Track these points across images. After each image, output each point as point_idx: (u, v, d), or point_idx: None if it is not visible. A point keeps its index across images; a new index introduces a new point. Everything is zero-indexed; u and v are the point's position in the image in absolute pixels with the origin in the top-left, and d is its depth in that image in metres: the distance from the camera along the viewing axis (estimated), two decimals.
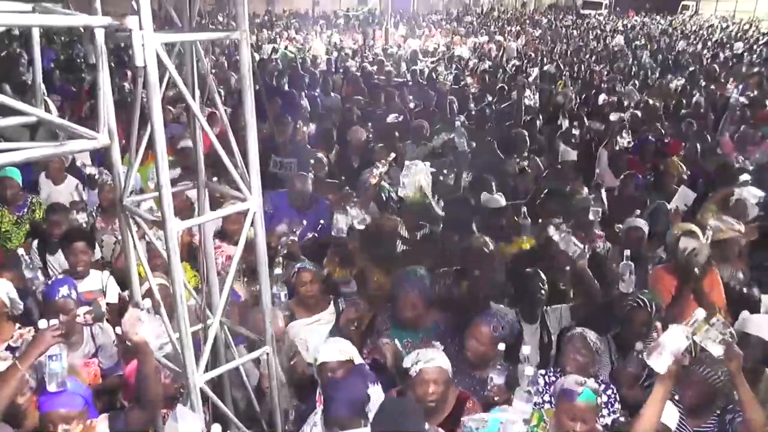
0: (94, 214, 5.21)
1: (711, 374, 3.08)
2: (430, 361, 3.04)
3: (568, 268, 4.17)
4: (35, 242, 4.72)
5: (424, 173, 5.03)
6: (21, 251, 4.15)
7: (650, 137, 7.53)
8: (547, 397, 3.28)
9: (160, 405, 2.91)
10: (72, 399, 2.71)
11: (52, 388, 2.65)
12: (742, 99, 9.32)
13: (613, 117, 7.60)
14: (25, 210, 5.12)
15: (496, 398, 3.11)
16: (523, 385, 2.84)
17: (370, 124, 7.82)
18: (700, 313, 2.73)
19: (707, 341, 2.77)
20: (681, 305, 3.98)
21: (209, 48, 2.75)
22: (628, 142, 6.85)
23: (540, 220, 4.94)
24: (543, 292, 3.93)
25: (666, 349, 2.63)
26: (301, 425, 3.13)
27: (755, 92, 10.67)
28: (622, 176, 6.16)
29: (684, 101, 10.03)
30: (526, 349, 3.14)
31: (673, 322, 3.86)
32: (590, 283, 4.05)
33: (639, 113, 8.66)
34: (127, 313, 2.65)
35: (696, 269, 3.97)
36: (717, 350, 2.79)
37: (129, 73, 9.42)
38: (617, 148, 6.90)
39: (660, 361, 2.64)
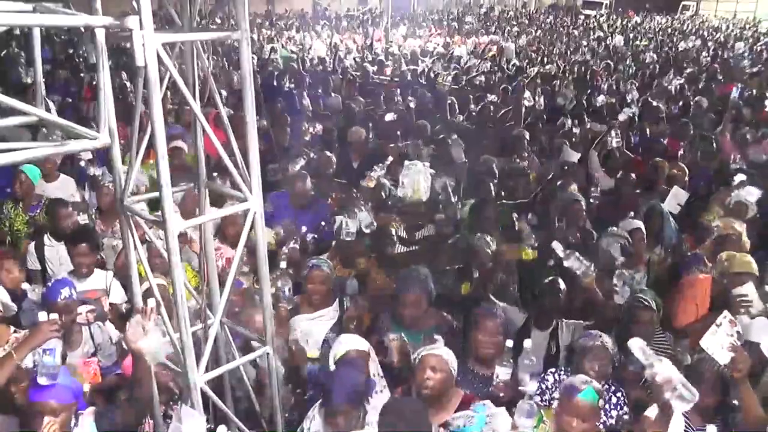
0: (94, 216, 5.21)
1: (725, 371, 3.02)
2: (432, 349, 3.09)
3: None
4: (32, 245, 4.72)
5: (424, 173, 5.04)
6: (26, 286, 4.06)
7: (660, 137, 7.55)
8: (556, 395, 3.25)
9: (151, 405, 2.92)
10: (62, 392, 2.73)
11: (42, 381, 2.67)
12: (740, 100, 9.28)
13: (622, 116, 7.60)
14: (38, 210, 5.11)
15: (501, 394, 3.10)
16: (525, 398, 2.83)
17: (370, 124, 7.82)
18: None
19: (714, 347, 2.69)
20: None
21: (210, 48, 2.74)
22: (617, 142, 6.88)
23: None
24: (558, 298, 3.92)
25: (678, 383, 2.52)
26: (300, 421, 3.14)
27: (755, 92, 10.65)
28: (618, 176, 6.14)
29: (684, 101, 10.02)
30: (527, 343, 3.15)
31: (697, 336, 3.89)
32: (599, 300, 4.05)
33: (636, 112, 8.65)
34: (132, 319, 2.64)
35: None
36: (724, 358, 2.71)
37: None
38: (609, 148, 6.91)
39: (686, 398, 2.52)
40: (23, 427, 2.82)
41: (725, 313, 2.82)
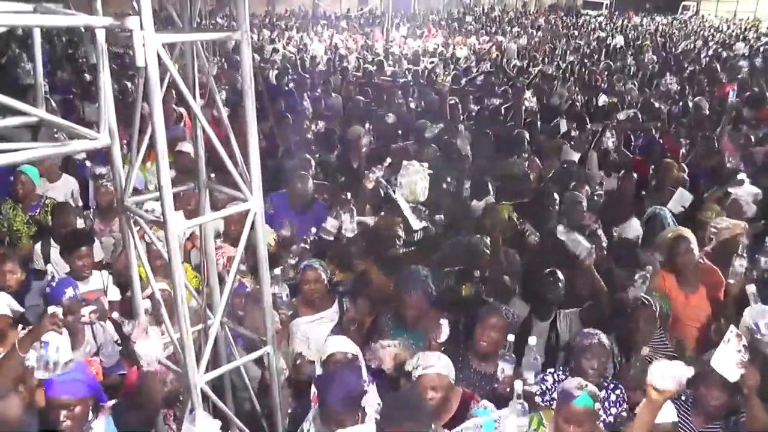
0: (92, 216, 5.21)
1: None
2: (430, 367, 3.07)
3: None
4: (37, 245, 4.72)
5: (421, 174, 5.03)
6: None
7: (657, 138, 7.55)
8: (556, 395, 3.26)
9: (158, 408, 2.96)
10: (74, 386, 2.77)
11: (39, 374, 2.70)
12: (737, 100, 9.28)
13: (622, 116, 7.60)
14: (38, 210, 5.11)
15: (508, 390, 3.09)
16: (515, 397, 2.82)
17: (369, 125, 7.81)
18: None
19: (723, 366, 2.65)
20: None
21: (210, 49, 2.75)
22: (613, 142, 6.88)
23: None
24: (558, 289, 3.93)
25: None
26: (299, 424, 3.14)
27: (755, 92, 10.64)
28: (620, 175, 6.14)
29: (684, 102, 10.01)
30: (532, 340, 3.16)
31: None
32: (597, 283, 4.06)
33: (637, 112, 8.66)
34: (139, 320, 2.68)
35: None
36: (734, 375, 2.66)
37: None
38: (603, 148, 6.91)
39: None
40: (43, 423, 2.87)
41: (732, 328, 2.77)
